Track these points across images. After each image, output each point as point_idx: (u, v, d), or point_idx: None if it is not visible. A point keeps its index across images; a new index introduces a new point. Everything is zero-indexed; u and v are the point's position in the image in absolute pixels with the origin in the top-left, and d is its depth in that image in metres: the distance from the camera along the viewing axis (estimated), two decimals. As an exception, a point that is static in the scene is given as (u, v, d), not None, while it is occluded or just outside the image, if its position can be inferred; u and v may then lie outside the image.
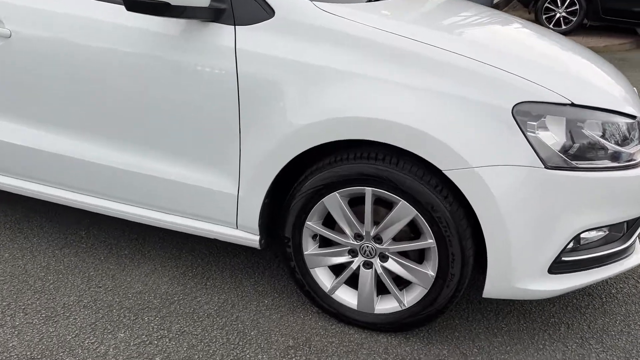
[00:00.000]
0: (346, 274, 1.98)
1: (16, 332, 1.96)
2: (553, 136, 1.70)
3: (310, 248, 1.99)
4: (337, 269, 2.03)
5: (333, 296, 2.02)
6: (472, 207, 1.76)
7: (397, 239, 1.89)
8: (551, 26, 8.69)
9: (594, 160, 1.74)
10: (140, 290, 2.21)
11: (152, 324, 2.03)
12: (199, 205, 2.06)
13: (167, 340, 1.95)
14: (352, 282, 2.01)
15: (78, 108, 2.10)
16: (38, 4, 2.06)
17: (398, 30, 1.81)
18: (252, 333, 2.00)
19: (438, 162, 1.69)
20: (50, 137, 2.20)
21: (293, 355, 1.89)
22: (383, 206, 1.89)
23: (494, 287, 1.80)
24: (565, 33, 8.39)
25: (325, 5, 1.84)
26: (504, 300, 2.22)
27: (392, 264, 1.91)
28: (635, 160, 1.79)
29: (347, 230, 1.91)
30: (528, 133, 1.68)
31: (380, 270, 1.92)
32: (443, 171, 1.70)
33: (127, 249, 2.51)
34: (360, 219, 1.88)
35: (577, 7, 8.45)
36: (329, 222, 1.98)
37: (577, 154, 1.72)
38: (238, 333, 1.99)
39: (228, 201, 2.01)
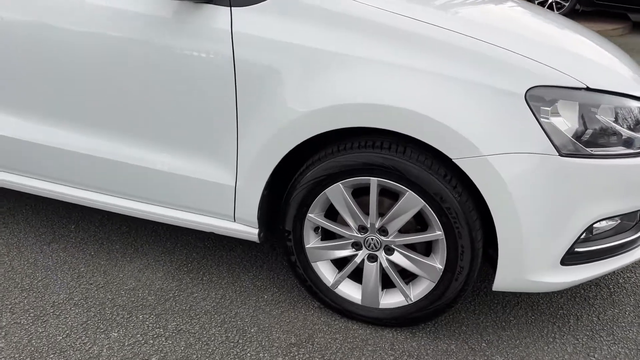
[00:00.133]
0: (350, 267, 1.90)
1: (3, 333, 1.86)
2: (565, 122, 1.63)
3: (311, 241, 1.91)
4: (340, 263, 1.95)
5: (336, 291, 1.94)
6: (481, 197, 1.68)
7: (402, 231, 1.81)
8: (544, 11, 8.61)
9: (608, 146, 1.67)
10: (133, 287, 2.12)
11: (147, 323, 1.93)
12: (194, 197, 1.97)
13: (163, 339, 1.86)
14: (356, 276, 1.93)
15: (63, 97, 1.99)
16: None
17: (403, 11, 1.72)
18: (252, 330, 1.91)
19: (448, 150, 1.61)
20: (32, 127, 2.08)
21: (296, 353, 1.82)
22: (388, 197, 1.81)
23: (505, 280, 1.74)
24: (558, 18, 8.31)
25: (326, -15, 1.74)
26: (511, 292, 2.16)
27: (398, 257, 1.83)
28: None
29: (351, 223, 1.83)
30: (542, 119, 1.60)
31: (385, 264, 1.85)
32: (453, 160, 1.62)
33: (118, 243, 2.41)
34: (365, 210, 1.80)
35: (570, -8, 8.39)
36: (331, 214, 1.89)
37: (590, 141, 1.65)
38: (237, 330, 1.91)
39: (225, 193, 1.92)
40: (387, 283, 1.90)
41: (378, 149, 1.70)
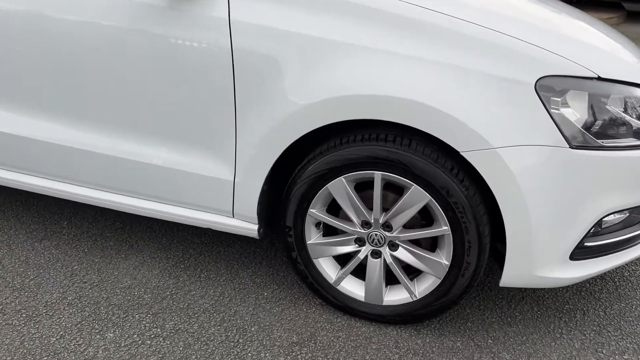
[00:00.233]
0: (353, 264, 1.84)
1: (-6, 335, 1.79)
2: (574, 113, 1.57)
3: (313, 237, 1.85)
4: (342, 259, 1.89)
5: (338, 288, 1.89)
6: (488, 191, 1.63)
7: (407, 226, 1.76)
8: (538, 1, 8.56)
9: (618, 138, 1.62)
10: (129, 285, 2.06)
11: (143, 322, 1.87)
12: (191, 192, 1.90)
13: (160, 339, 1.80)
14: (359, 272, 1.88)
15: (54, 89, 1.91)
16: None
17: (408, -2, 1.65)
18: (252, 329, 1.86)
19: (455, 142, 1.56)
20: (25, 121, 2.00)
21: (298, 353, 1.77)
22: (392, 191, 1.75)
23: (513, 276, 1.69)
24: (552, 7, 8.26)
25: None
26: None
27: (402, 253, 1.78)
28: None
29: (354, 218, 1.77)
30: (552, 110, 1.55)
31: (389, 260, 1.79)
32: (460, 152, 1.56)
33: (112, 239, 2.34)
34: (368, 205, 1.74)
35: (565, -20, 8.34)
36: (333, 209, 1.83)
37: (600, 132, 1.60)
38: (237, 329, 1.85)
39: (223, 188, 1.85)
40: (390, 279, 1.85)
41: (382, 141, 1.65)
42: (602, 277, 2.19)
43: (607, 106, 1.60)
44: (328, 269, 1.88)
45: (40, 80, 1.91)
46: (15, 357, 1.71)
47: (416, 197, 1.66)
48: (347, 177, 1.70)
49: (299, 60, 1.63)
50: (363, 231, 1.79)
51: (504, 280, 1.71)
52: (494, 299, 2.06)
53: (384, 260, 1.80)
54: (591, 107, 1.59)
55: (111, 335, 1.81)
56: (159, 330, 1.84)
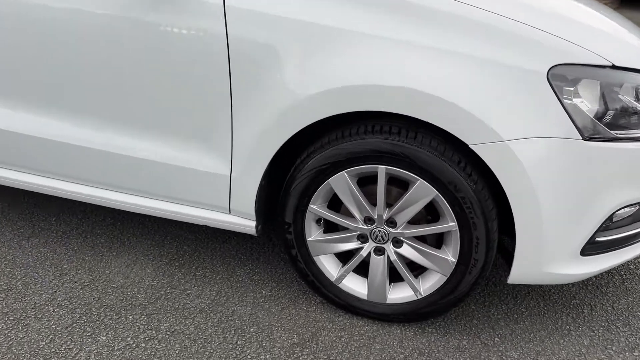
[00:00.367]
0: (355, 261, 1.77)
1: (-20, 340, 1.71)
2: (585, 103, 1.50)
3: (314, 234, 1.78)
4: (344, 256, 1.82)
5: (340, 285, 1.82)
6: (495, 185, 1.56)
7: (412, 222, 1.69)
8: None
9: (630, 129, 1.56)
10: (121, 285, 1.97)
11: (137, 324, 1.80)
12: (185, 188, 1.82)
13: (155, 342, 1.73)
14: (361, 269, 1.81)
15: (42, 80, 1.81)
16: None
17: (412, -18, 1.57)
18: (251, 330, 1.79)
19: (464, 135, 1.48)
20: (12, 115, 1.90)
21: (299, 354, 1.70)
22: (396, 186, 1.68)
23: (522, 272, 1.63)
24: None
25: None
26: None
27: (407, 250, 1.71)
28: None
29: (357, 214, 1.70)
30: (564, 100, 1.48)
31: (394, 257, 1.73)
32: (470, 145, 1.49)
33: (103, 236, 2.25)
34: (371, 200, 1.67)
35: (559, -34, 8.25)
36: (334, 204, 1.76)
37: (612, 122, 1.54)
38: (236, 330, 1.78)
39: (219, 183, 1.77)
40: (394, 277, 1.78)
41: (386, 134, 1.57)
42: (608, 271, 2.14)
43: (619, 95, 1.54)
44: (329, 267, 1.82)
45: (26, 71, 1.81)
46: (3, 363, 1.63)
47: (422, 192, 1.59)
48: (349, 172, 1.63)
49: (299, 49, 1.54)
50: (366, 227, 1.71)
51: (512, 277, 1.65)
52: (499, 294, 2.00)
53: (388, 257, 1.74)
54: (603, 97, 1.52)
55: (104, 338, 1.73)
56: (153, 332, 1.76)
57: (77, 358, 1.65)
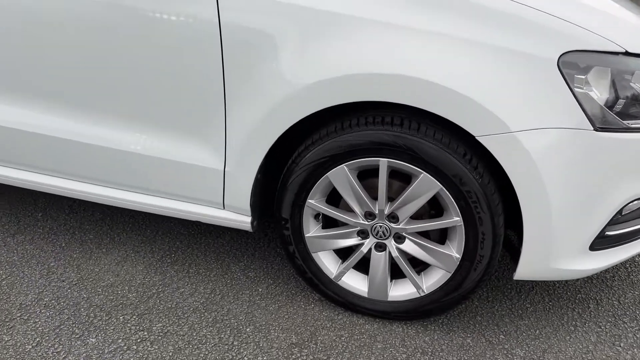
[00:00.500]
0: (355, 257, 1.71)
1: (-37, 344, 1.63)
2: (596, 91, 1.43)
3: (312, 230, 1.70)
4: (343, 253, 1.75)
5: (339, 283, 1.75)
6: (502, 178, 1.49)
7: (414, 217, 1.62)
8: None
9: (642, 118, 1.49)
10: (111, 283, 1.90)
11: (128, 325, 1.72)
12: (177, 183, 1.74)
13: (148, 343, 1.66)
14: (361, 265, 1.74)
15: (30, 70, 1.71)
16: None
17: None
18: (247, 330, 1.72)
19: (470, 126, 1.41)
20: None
21: (298, 355, 1.63)
22: (398, 179, 1.61)
23: (529, 268, 1.57)
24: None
25: None
26: (524, 275, 2.01)
27: (409, 246, 1.64)
28: None
29: (357, 209, 1.62)
30: (575, 89, 1.40)
31: (395, 253, 1.66)
32: (476, 137, 1.42)
33: (92, 232, 2.17)
34: (372, 195, 1.60)
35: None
36: (333, 199, 1.69)
37: (623, 112, 1.47)
38: (232, 330, 1.71)
39: (212, 178, 1.69)
40: (395, 273, 1.72)
41: (388, 125, 1.49)
42: (613, 264, 2.09)
43: (631, 83, 1.47)
44: (328, 264, 1.75)
45: (13, 61, 1.71)
46: (-13, 368, 1.55)
47: (425, 185, 1.52)
48: (349, 165, 1.55)
49: (297, 36, 1.46)
50: (366, 223, 1.64)
51: (519, 273, 1.59)
52: (503, 289, 1.94)
53: (389, 253, 1.67)
54: (613, 85, 1.46)
55: (93, 340, 1.66)
56: (145, 333, 1.69)
57: (65, 362, 1.58)
